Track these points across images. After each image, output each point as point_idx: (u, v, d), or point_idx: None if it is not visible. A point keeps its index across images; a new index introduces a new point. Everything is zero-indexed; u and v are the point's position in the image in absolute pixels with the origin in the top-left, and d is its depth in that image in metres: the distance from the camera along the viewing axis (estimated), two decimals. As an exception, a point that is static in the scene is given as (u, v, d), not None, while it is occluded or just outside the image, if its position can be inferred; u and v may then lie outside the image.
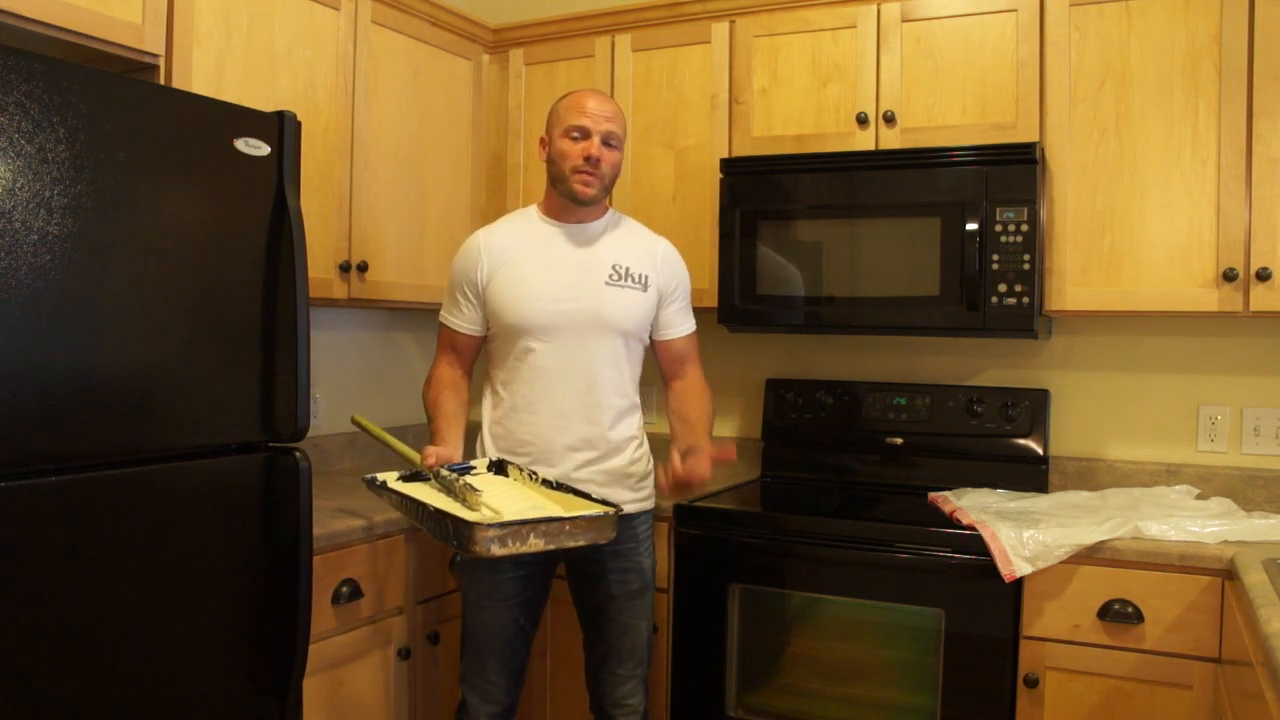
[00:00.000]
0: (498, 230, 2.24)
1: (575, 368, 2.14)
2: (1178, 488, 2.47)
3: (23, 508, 1.54)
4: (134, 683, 1.69)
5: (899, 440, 2.76)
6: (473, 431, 2.24)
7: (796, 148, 2.64)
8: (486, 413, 2.23)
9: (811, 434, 2.86)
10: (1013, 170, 2.36)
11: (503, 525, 1.78)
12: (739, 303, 2.64)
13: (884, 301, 2.48)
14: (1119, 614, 2.05)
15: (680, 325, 2.29)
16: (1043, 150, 2.41)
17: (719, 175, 2.68)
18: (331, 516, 2.20)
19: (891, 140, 2.55)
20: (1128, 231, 2.35)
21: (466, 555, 1.89)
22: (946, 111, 2.51)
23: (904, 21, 2.54)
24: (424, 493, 2.03)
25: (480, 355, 2.30)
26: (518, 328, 2.14)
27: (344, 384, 2.98)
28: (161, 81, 2.06)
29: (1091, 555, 2.07)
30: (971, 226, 2.39)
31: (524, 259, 2.17)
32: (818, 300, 2.55)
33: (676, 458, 2.09)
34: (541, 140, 2.22)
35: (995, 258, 2.36)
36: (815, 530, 2.33)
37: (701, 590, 2.43)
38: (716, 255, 2.68)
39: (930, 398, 2.74)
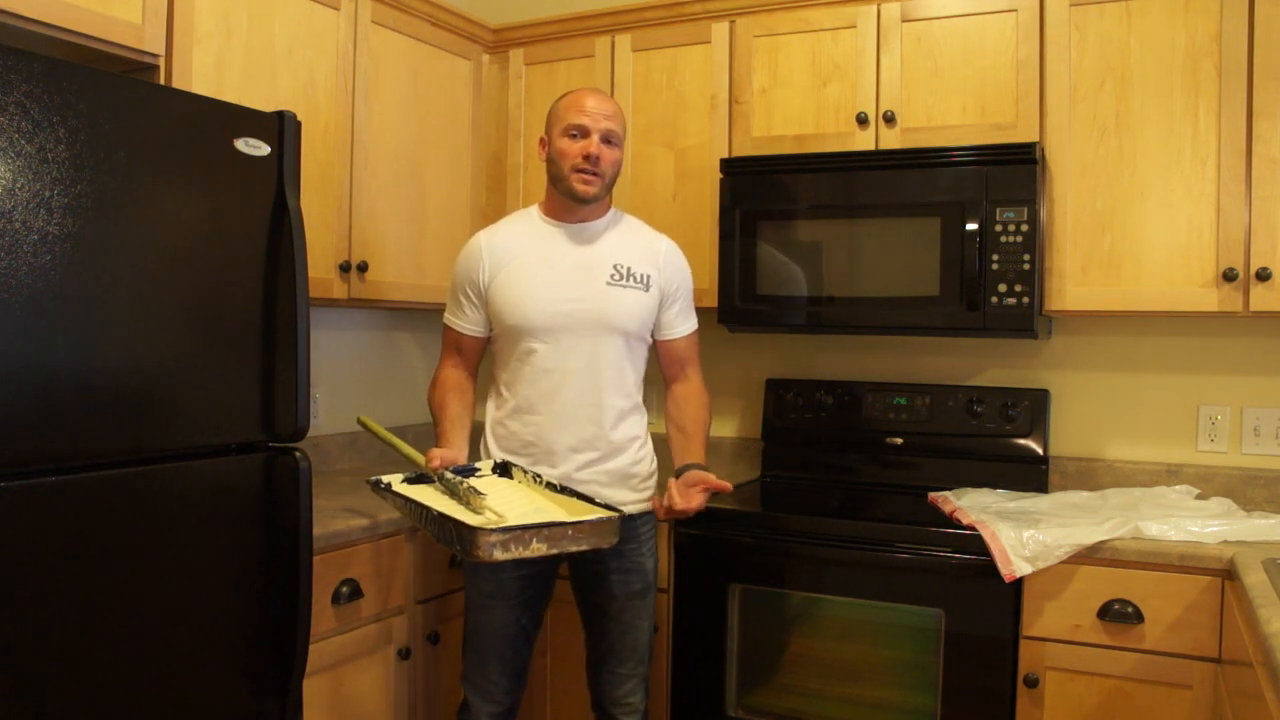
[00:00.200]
0: (499, 231, 2.24)
1: (577, 368, 2.14)
2: (1178, 488, 2.47)
3: (23, 508, 1.54)
4: (134, 682, 1.69)
5: (899, 440, 2.76)
6: (478, 432, 2.24)
7: (796, 148, 2.64)
8: (490, 413, 2.23)
9: (811, 434, 2.86)
10: (1013, 170, 2.36)
11: (505, 530, 1.78)
12: (739, 303, 2.64)
13: (884, 301, 2.48)
14: (1119, 614, 2.06)
15: (682, 326, 2.29)
16: (1043, 150, 2.41)
17: (719, 175, 2.68)
18: (332, 516, 2.20)
19: (891, 140, 2.55)
20: (1128, 231, 2.35)
21: (469, 559, 1.89)
22: (946, 111, 2.51)
23: (904, 21, 2.54)
24: (428, 495, 2.03)
25: (485, 356, 2.30)
26: (519, 328, 2.14)
27: (344, 384, 2.98)
28: (161, 81, 2.06)
29: (1091, 555, 2.07)
30: (971, 226, 2.39)
31: (525, 259, 2.17)
32: (818, 300, 2.56)
33: (674, 489, 2.16)
34: (541, 140, 2.22)
35: (995, 258, 2.36)
36: (815, 530, 2.33)
37: (701, 590, 2.43)
38: (716, 255, 2.68)
39: (930, 398, 2.74)
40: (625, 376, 2.20)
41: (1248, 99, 2.23)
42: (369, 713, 2.26)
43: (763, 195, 2.61)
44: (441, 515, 1.87)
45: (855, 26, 2.59)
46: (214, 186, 1.82)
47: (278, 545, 1.93)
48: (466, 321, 2.23)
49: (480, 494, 1.94)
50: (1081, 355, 2.69)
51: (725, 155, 2.71)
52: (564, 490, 2.03)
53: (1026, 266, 2.34)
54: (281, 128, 1.94)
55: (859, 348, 2.92)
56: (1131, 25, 2.34)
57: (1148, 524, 2.09)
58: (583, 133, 2.12)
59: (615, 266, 2.18)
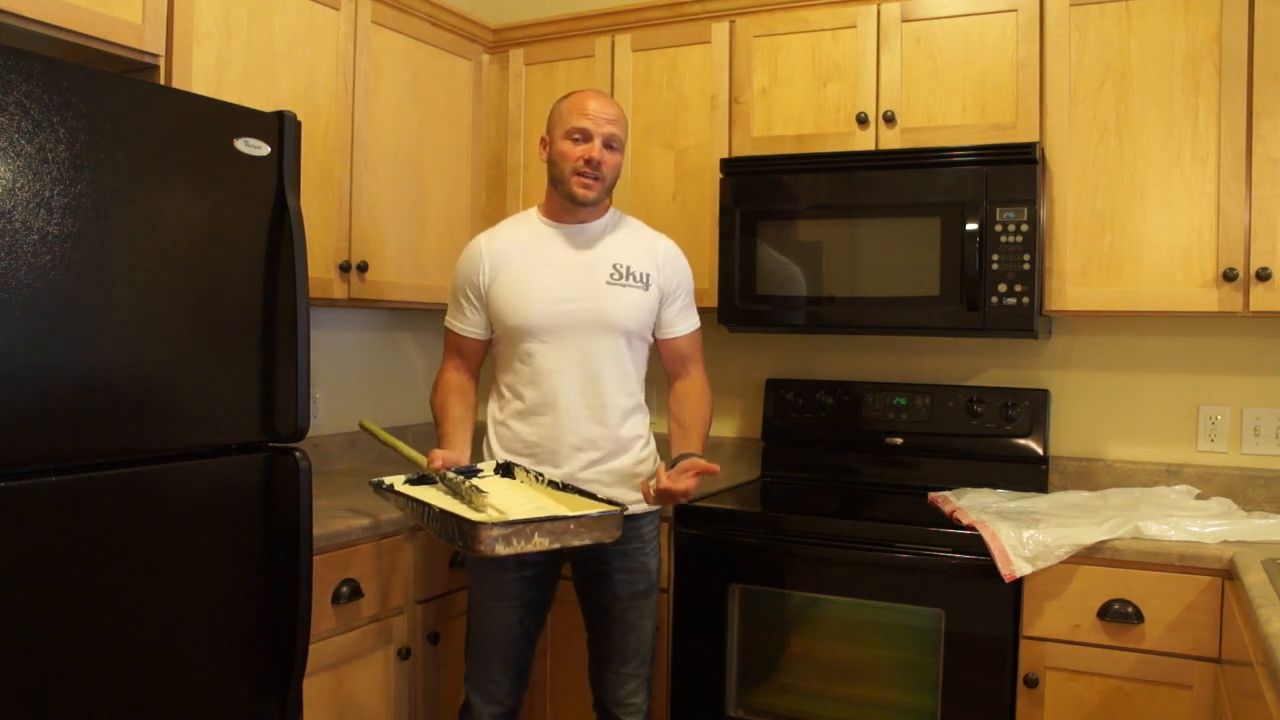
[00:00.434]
0: (499, 233, 2.24)
1: (579, 368, 2.14)
2: (1178, 488, 2.47)
3: (23, 508, 1.54)
4: (134, 682, 1.69)
5: (899, 440, 2.76)
6: (480, 434, 2.24)
7: (796, 148, 2.64)
8: (492, 414, 2.23)
9: (811, 434, 2.86)
10: (1013, 170, 2.36)
11: (507, 524, 1.78)
12: (739, 303, 2.64)
13: (884, 301, 2.48)
14: (1119, 614, 2.05)
15: (683, 324, 2.29)
16: (1043, 150, 2.41)
17: (719, 175, 2.68)
18: (332, 516, 2.20)
19: (891, 140, 2.55)
20: (1128, 231, 2.35)
21: (472, 555, 1.89)
22: (946, 111, 2.51)
23: (904, 21, 2.54)
24: (430, 495, 2.03)
25: (487, 359, 2.30)
26: (520, 329, 2.14)
27: (344, 384, 2.98)
28: (161, 81, 2.06)
29: (1091, 555, 2.07)
30: (971, 226, 2.39)
31: (525, 261, 2.17)
32: (818, 300, 2.56)
33: (662, 471, 2.07)
34: (542, 140, 2.22)
35: (995, 258, 2.36)
36: (815, 530, 2.33)
37: (701, 590, 2.43)
38: (716, 255, 2.68)
39: (930, 398, 2.74)
40: (627, 375, 2.20)
41: (1248, 99, 2.23)
42: (369, 713, 2.26)
43: (763, 195, 2.61)
44: (443, 512, 1.87)
45: (855, 26, 2.59)
46: (214, 186, 1.82)
47: (278, 545, 1.93)
48: (467, 324, 2.23)
49: (482, 492, 1.95)
50: (1081, 355, 2.69)
51: (725, 155, 2.71)
52: (566, 488, 2.04)
53: (1026, 266, 2.34)
54: (281, 128, 1.94)
55: (859, 348, 2.92)
56: (1131, 25, 2.34)
57: (1148, 524, 2.09)
58: (585, 136, 2.12)
59: (615, 266, 2.18)
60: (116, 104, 1.65)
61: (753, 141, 2.70)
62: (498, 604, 2.15)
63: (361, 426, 2.37)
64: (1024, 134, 2.42)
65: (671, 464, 2.11)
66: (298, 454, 1.95)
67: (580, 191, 2.13)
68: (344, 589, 2.15)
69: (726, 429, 3.07)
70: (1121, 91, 2.35)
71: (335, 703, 2.17)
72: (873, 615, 2.31)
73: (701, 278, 2.69)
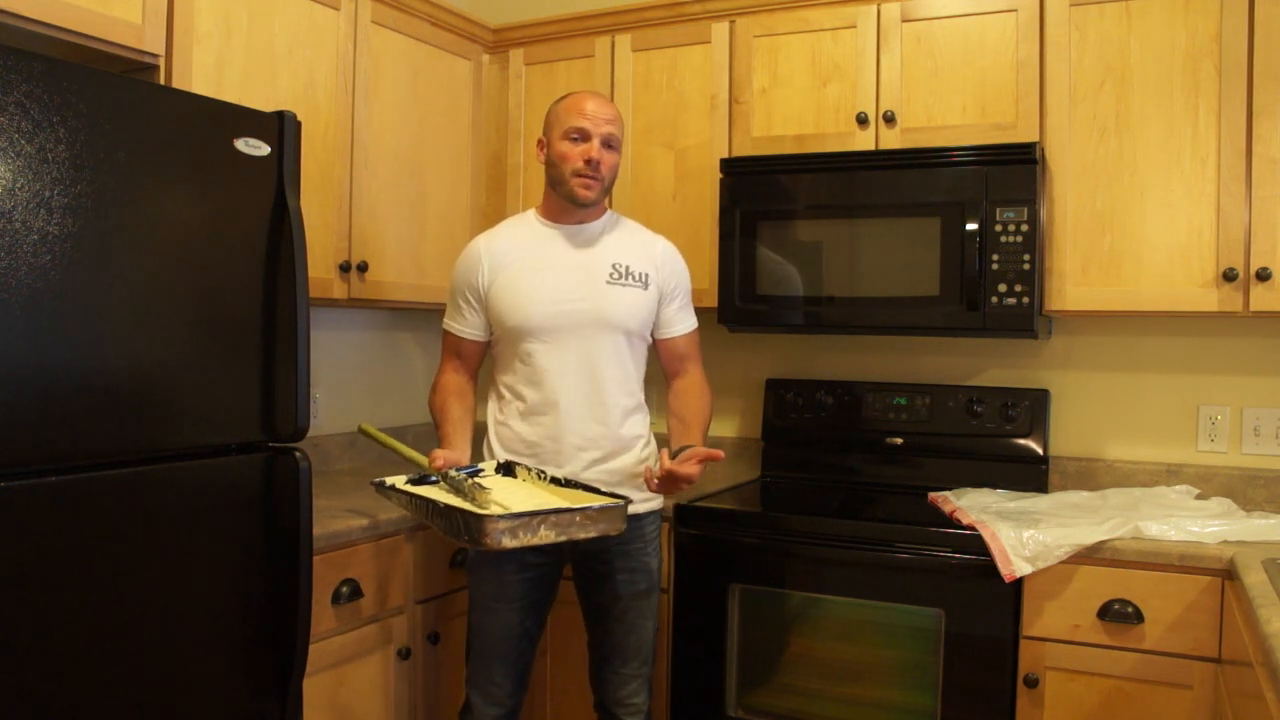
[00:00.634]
0: (497, 235, 2.24)
1: (579, 368, 2.14)
2: (1178, 488, 2.47)
3: (23, 508, 1.54)
4: (134, 682, 1.69)
5: (899, 440, 2.76)
6: (479, 434, 2.24)
7: (796, 148, 2.64)
8: (492, 415, 2.23)
9: (811, 434, 2.86)
10: (1013, 170, 2.36)
11: (513, 517, 1.78)
12: (739, 303, 2.64)
13: (884, 301, 2.48)
14: (1119, 614, 2.05)
15: (681, 324, 2.29)
16: (1043, 150, 2.41)
17: (719, 175, 2.68)
18: (332, 516, 2.20)
19: (891, 140, 2.55)
20: (1128, 231, 2.35)
21: (478, 549, 1.89)
22: (946, 111, 2.51)
23: (904, 21, 2.54)
24: (433, 493, 2.03)
25: (485, 359, 2.30)
26: (520, 329, 2.14)
27: (344, 384, 2.98)
28: (161, 81, 2.06)
29: (1091, 555, 2.07)
30: (971, 226, 2.38)
31: (524, 262, 2.17)
32: (818, 300, 2.55)
33: (666, 456, 2.08)
34: (539, 142, 2.22)
35: (995, 258, 2.36)
36: (815, 530, 2.33)
37: (701, 590, 2.43)
38: (716, 255, 2.68)
39: (930, 398, 2.74)
40: (628, 375, 2.20)
41: (1248, 99, 2.23)
42: (369, 713, 2.26)
43: (763, 195, 2.61)
44: (448, 507, 1.87)
45: (855, 26, 2.59)
46: (214, 186, 1.82)
47: (278, 545, 1.93)
48: (467, 326, 2.23)
49: (485, 489, 1.95)
50: (1081, 355, 2.69)
51: (725, 155, 2.71)
52: (570, 484, 2.04)
53: (1026, 266, 2.34)
54: (281, 128, 1.94)
55: (859, 348, 2.92)
56: (1131, 25, 2.34)
57: (1148, 524, 2.09)
58: (583, 136, 2.12)
59: (614, 266, 2.19)
60: (116, 104, 1.65)
61: (753, 141, 2.70)
62: (499, 605, 2.15)
63: (360, 430, 2.37)
64: (1024, 134, 2.42)
65: (673, 455, 2.11)
66: (298, 454, 1.95)
67: (581, 192, 2.13)
68: (344, 589, 2.15)
69: (726, 429, 3.07)
70: (1121, 91, 2.35)
71: (335, 703, 2.17)
72: (873, 615, 2.31)
73: (701, 278, 2.69)
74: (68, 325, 1.59)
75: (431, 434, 2.30)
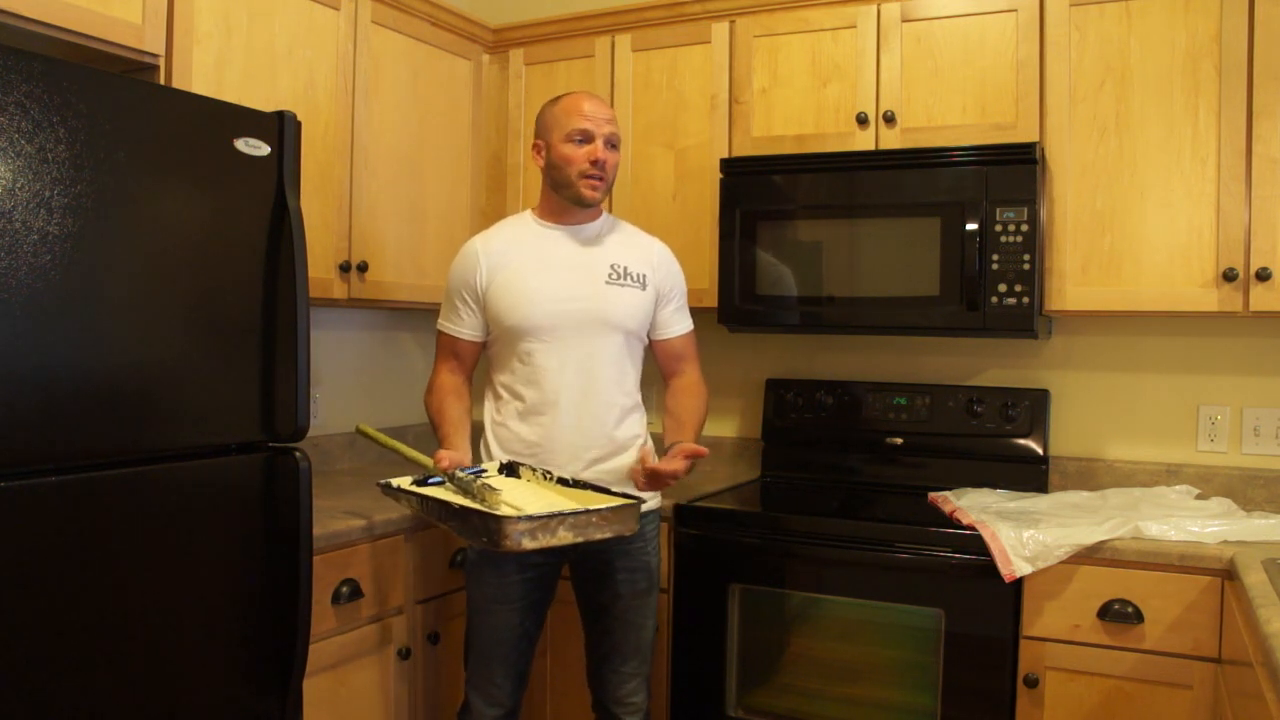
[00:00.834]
0: (494, 235, 2.24)
1: (578, 367, 2.14)
2: (1178, 488, 2.47)
3: (23, 508, 1.54)
4: (134, 682, 1.69)
5: (899, 440, 2.76)
6: (476, 434, 2.24)
7: (796, 148, 2.64)
8: (489, 416, 2.23)
9: (811, 434, 2.86)
10: (1013, 170, 2.36)
11: (532, 518, 1.78)
12: (739, 303, 2.64)
13: (884, 301, 2.48)
14: (1119, 614, 2.05)
15: (677, 325, 2.30)
16: (1043, 150, 2.41)
17: (719, 175, 2.68)
18: (332, 516, 2.20)
19: (891, 140, 2.55)
20: (1128, 231, 2.35)
21: (497, 550, 1.88)
22: (946, 111, 2.51)
23: (904, 21, 2.54)
24: (441, 495, 2.02)
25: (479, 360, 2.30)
26: (520, 329, 2.14)
27: (344, 384, 2.98)
28: (161, 81, 2.06)
29: (1091, 555, 2.07)
30: (971, 226, 2.38)
31: (523, 262, 2.17)
32: (818, 300, 2.55)
33: (649, 454, 2.10)
34: (536, 145, 2.21)
35: (995, 258, 2.36)
36: (815, 530, 2.33)
37: (701, 590, 2.43)
38: (716, 255, 2.68)
39: (930, 398, 2.74)
40: (626, 375, 2.21)
41: (1248, 99, 2.23)
42: (368, 712, 2.26)
43: (763, 195, 2.61)
44: (464, 509, 1.87)
45: (855, 26, 2.59)
46: (214, 186, 1.82)
47: (278, 545, 1.93)
48: (464, 326, 2.22)
49: (495, 490, 1.94)
50: (1081, 355, 2.69)
51: (725, 155, 2.71)
52: (576, 484, 2.04)
53: (1026, 266, 2.34)
54: (281, 128, 1.94)
55: (859, 348, 2.92)
56: (1131, 25, 2.34)
57: (1148, 524, 2.09)
58: (586, 138, 2.12)
59: (613, 266, 2.19)
60: (116, 104, 1.65)
61: (753, 141, 2.70)
62: (499, 606, 2.15)
63: (359, 431, 2.35)
64: (1024, 134, 2.42)
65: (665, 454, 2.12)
66: (298, 454, 1.95)
67: (588, 193, 2.14)
68: (344, 589, 2.15)
69: (726, 429, 3.07)
70: (1121, 91, 2.35)
71: (335, 703, 2.17)
72: (873, 615, 2.31)
73: (701, 278, 2.69)
74: (68, 325, 1.59)
75: (432, 434, 2.29)
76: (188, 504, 1.78)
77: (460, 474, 2.05)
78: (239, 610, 1.87)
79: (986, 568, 2.10)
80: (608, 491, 1.99)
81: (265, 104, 2.23)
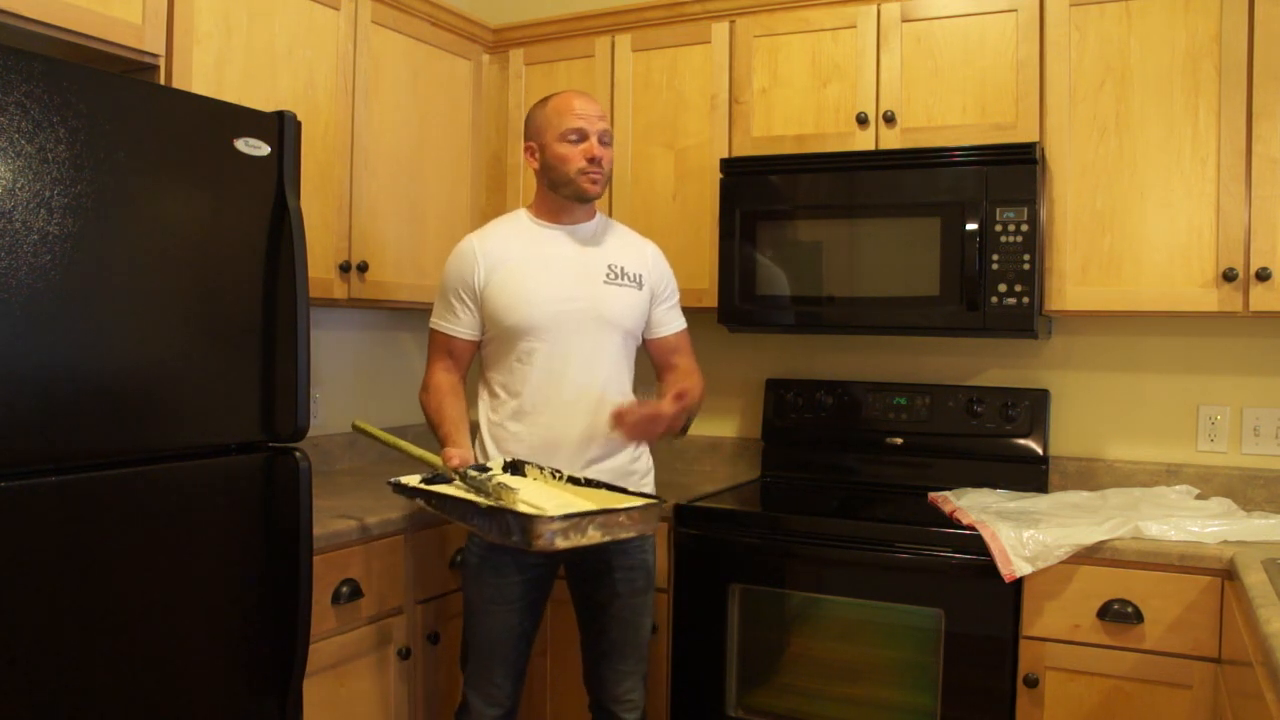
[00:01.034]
0: (490, 234, 2.24)
1: (576, 367, 2.14)
2: (1178, 488, 2.47)
3: (23, 508, 1.54)
4: (134, 682, 1.69)
5: (899, 440, 2.76)
6: (472, 434, 2.24)
7: (796, 148, 2.64)
8: (485, 416, 2.22)
9: (811, 434, 2.86)
10: (1013, 170, 2.36)
11: (564, 518, 1.78)
12: (739, 303, 2.64)
13: (884, 301, 2.48)
14: (1119, 614, 2.05)
15: (672, 323, 2.31)
16: (1043, 150, 2.41)
17: (719, 175, 2.68)
18: (331, 516, 2.20)
19: (891, 140, 2.55)
20: (1128, 231, 2.35)
21: (529, 550, 1.87)
22: (946, 111, 2.51)
23: (904, 21, 2.54)
24: (462, 494, 2.02)
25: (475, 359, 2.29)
26: (518, 328, 2.14)
27: (344, 384, 2.98)
28: (161, 81, 2.06)
29: (1091, 555, 2.07)
30: (971, 226, 2.39)
31: (521, 260, 2.17)
32: (818, 300, 2.56)
33: (636, 403, 2.09)
34: (528, 148, 2.21)
35: (995, 258, 2.36)
36: (815, 530, 2.33)
37: (701, 590, 2.43)
38: (716, 255, 2.68)
39: (930, 398, 2.74)
40: (622, 374, 2.21)
41: (1247, 99, 2.23)
42: (368, 712, 2.26)
43: (763, 195, 2.61)
44: (491, 508, 1.87)
45: (855, 26, 2.59)
46: (214, 186, 1.82)
47: (278, 545, 1.93)
48: (460, 325, 2.22)
49: (512, 489, 1.93)
50: (1081, 355, 2.69)
51: (725, 155, 2.71)
52: (589, 483, 2.04)
53: (1026, 266, 2.34)
54: (281, 128, 1.94)
55: (859, 348, 2.92)
56: (1131, 25, 2.34)
57: (1148, 524, 2.09)
58: (581, 136, 2.13)
59: (610, 266, 2.20)
60: (116, 104, 1.65)
61: (753, 141, 2.70)
62: (499, 607, 2.15)
63: (355, 428, 2.33)
64: (1024, 134, 2.42)
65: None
66: (298, 454, 1.95)
67: (590, 187, 2.14)
68: (344, 589, 2.15)
69: (726, 429, 3.07)
70: (1121, 91, 2.35)
71: (335, 703, 2.17)
72: (873, 615, 2.31)
73: (701, 278, 2.69)
74: (68, 325, 1.59)
75: (430, 434, 2.29)
76: (188, 504, 1.78)
77: (472, 473, 2.05)
78: (239, 610, 1.87)
79: (986, 568, 2.10)
80: (621, 490, 1.99)
81: (265, 104, 2.23)
